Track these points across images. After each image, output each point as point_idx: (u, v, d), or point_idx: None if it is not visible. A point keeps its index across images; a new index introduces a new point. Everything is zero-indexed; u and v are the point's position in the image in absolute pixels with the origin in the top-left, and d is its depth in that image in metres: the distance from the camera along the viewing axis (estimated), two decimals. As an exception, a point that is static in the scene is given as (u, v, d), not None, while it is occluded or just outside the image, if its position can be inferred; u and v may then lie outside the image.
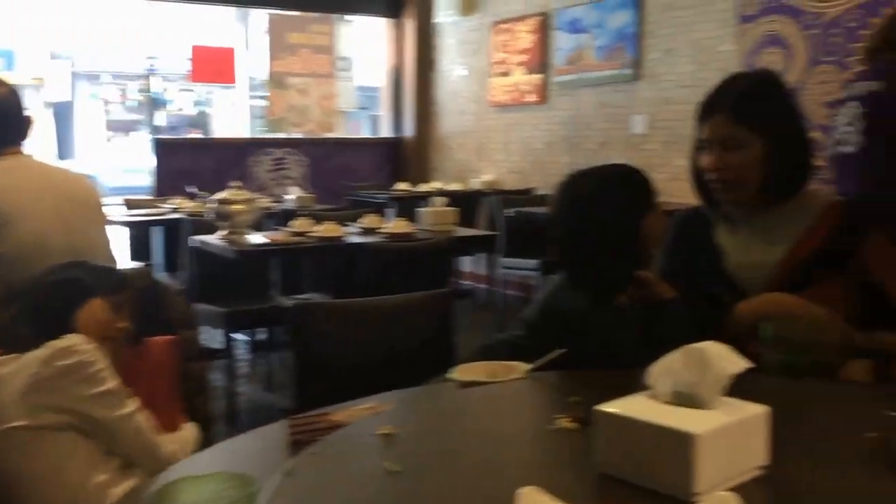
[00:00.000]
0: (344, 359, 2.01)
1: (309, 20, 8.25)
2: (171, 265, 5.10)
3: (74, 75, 16.59)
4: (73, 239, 2.35)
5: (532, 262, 5.58)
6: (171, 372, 1.96)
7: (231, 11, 7.99)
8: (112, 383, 1.70)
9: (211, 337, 4.05)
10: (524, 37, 7.12)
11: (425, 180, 7.77)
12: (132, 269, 3.09)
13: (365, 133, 8.74)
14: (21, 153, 2.42)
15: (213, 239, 4.01)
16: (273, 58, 8.04)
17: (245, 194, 4.12)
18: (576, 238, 1.80)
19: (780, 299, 1.81)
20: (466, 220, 6.30)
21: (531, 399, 1.47)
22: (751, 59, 5.17)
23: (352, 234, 4.37)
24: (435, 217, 4.62)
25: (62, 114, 16.11)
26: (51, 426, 1.65)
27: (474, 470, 1.14)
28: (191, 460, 1.44)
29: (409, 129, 8.49)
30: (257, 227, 4.35)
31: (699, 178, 1.95)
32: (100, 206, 2.56)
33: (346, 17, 8.75)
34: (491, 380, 1.51)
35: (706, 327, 1.81)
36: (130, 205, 5.76)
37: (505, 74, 7.35)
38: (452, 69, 8.08)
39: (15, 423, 1.64)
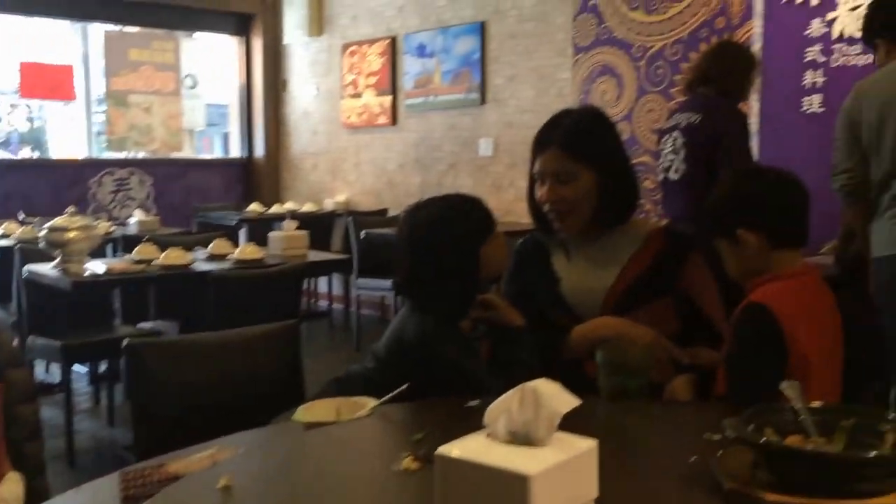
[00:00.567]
0: (183, 399, 1.94)
1: (151, 36, 7.98)
2: (2, 296, 4.80)
3: None
4: None
5: (386, 283, 5.62)
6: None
7: (71, 25, 7.62)
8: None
9: (48, 371, 3.83)
10: (374, 59, 7.16)
11: (278, 201, 7.67)
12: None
13: (217, 152, 8.51)
14: None
15: (47, 269, 3.80)
16: (112, 74, 7.72)
17: (81, 220, 3.92)
18: (417, 266, 1.83)
19: (610, 323, 1.91)
20: (321, 240, 6.27)
21: (375, 439, 1.47)
22: (587, 87, 5.41)
23: (199, 260, 4.25)
24: (286, 242, 4.56)
25: None
26: None
27: (316, 518, 1.13)
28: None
29: (260, 149, 8.35)
30: (98, 254, 4.15)
31: (536, 209, 2.04)
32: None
33: (191, 33, 8.52)
34: (335, 420, 1.50)
35: (547, 351, 1.89)
36: (-47, 232, 5.39)
37: (356, 96, 7.37)
38: (304, 89, 8.01)
39: None
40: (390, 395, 1.58)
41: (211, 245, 4.43)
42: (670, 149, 3.59)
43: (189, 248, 4.33)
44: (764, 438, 1.17)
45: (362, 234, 5.76)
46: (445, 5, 6.52)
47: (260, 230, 5.77)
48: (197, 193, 7.98)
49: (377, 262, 5.78)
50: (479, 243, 1.84)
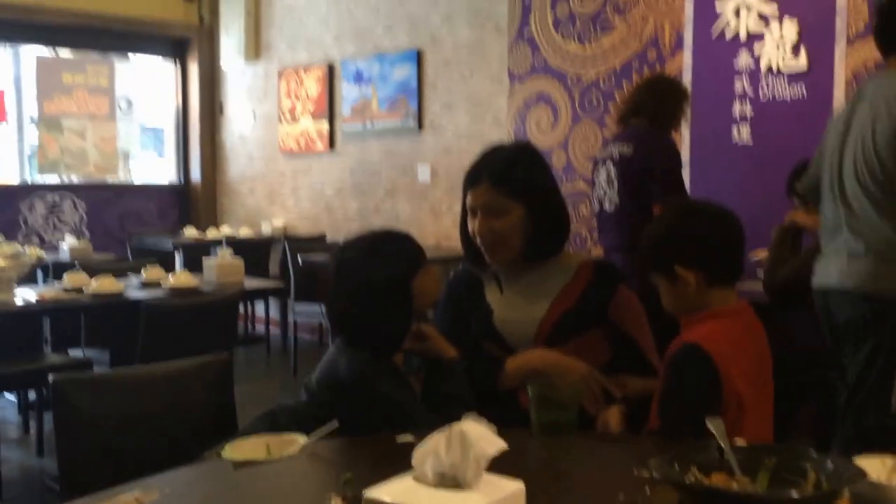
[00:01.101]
0: (111, 434, 1.90)
1: (85, 60, 7.86)
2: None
3: None
4: None
5: (323, 308, 5.58)
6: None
7: (2, 48, 7.45)
8: None
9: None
10: (311, 85, 7.15)
11: (214, 225, 7.57)
12: None
13: (153, 175, 8.38)
14: None
15: (-29, 299, 3.69)
16: (45, 98, 7.58)
17: (9, 248, 3.83)
18: (349, 305, 1.82)
19: (542, 355, 1.93)
20: (258, 265, 6.21)
21: (304, 479, 1.46)
22: (522, 114, 5.49)
23: (131, 287, 4.17)
24: (221, 270, 4.51)
25: None
26: None
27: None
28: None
29: (196, 173, 8.25)
30: (28, 279, 4.05)
31: (468, 241, 2.06)
32: None
33: (127, 55, 8.39)
34: (264, 458, 1.49)
35: (481, 383, 1.90)
36: None
37: (293, 121, 7.34)
38: (241, 114, 7.96)
39: None
40: (319, 431, 1.57)
41: (144, 272, 4.36)
42: (604, 180, 3.66)
43: (121, 274, 4.25)
44: (689, 478, 1.19)
45: (299, 259, 5.73)
46: (382, 33, 6.55)
47: (196, 255, 5.69)
48: (131, 218, 7.85)
49: (315, 287, 5.75)
50: (409, 279, 1.84)
